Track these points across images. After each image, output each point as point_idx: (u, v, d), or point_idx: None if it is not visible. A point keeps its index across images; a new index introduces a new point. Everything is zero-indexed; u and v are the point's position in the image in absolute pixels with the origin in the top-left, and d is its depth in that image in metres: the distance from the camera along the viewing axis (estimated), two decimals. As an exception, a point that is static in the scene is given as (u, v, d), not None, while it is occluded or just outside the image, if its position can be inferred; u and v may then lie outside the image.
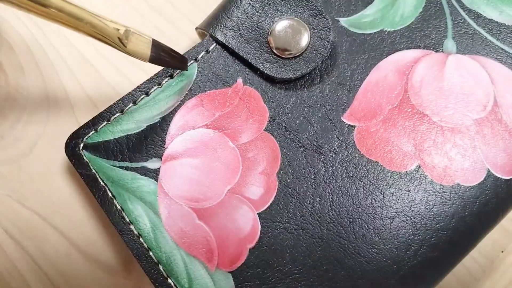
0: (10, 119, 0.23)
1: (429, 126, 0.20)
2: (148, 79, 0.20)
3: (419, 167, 0.19)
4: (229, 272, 0.19)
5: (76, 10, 0.16)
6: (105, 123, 0.20)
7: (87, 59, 0.24)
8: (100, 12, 0.17)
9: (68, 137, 0.20)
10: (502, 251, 0.23)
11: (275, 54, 0.20)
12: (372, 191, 0.19)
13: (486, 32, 0.21)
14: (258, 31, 0.20)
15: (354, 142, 0.20)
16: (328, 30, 0.20)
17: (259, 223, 0.19)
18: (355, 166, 0.20)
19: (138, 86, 0.20)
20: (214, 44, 0.21)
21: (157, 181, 0.19)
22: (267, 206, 0.19)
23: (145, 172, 0.20)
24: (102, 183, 0.20)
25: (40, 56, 0.24)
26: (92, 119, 0.20)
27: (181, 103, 0.20)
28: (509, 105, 0.20)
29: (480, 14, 0.21)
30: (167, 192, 0.19)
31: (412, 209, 0.19)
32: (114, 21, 0.17)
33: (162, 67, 0.20)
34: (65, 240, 0.22)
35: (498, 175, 0.19)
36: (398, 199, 0.19)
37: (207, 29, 0.21)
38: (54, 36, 0.24)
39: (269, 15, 0.20)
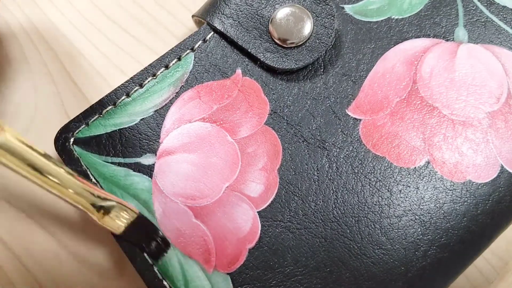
0: (-4, 112, 0.23)
1: (439, 120, 0.19)
2: (142, 70, 0.20)
3: (429, 162, 0.19)
4: (228, 274, 0.18)
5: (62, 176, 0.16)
6: (96, 116, 0.20)
7: (77, 49, 0.24)
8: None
9: (58, 132, 0.20)
10: (515, 252, 0.23)
11: (276, 44, 0.20)
12: (378, 188, 0.19)
13: (500, 20, 0.21)
14: (258, 19, 0.20)
15: (359, 136, 0.19)
16: (332, 17, 0.20)
17: (259, 222, 0.19)
18: (360, 161, 0.19)
19: (131, 77, 0.20)
20: (212, 32, 0.20)
21: (151, 178, 0.19)
22: (267, 204, 0.19)
23: (139, 168, 0.19)
24: (93, 179, 0.19)
25: (28, 46, 0.24)
26: (82, 112, 0.20)
27: (177, 95, 0.20)
28: (524, 97, 0.20)
29: (493, 0, 0.21)
30: (162, 189, 0.19)
31: (421, 207, 0.19)
32: (102, 195, 0.17)
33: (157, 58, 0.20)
34: (53, 240, 0.22)
35: (512, 171, 0.19)
36: (406, 197, 0.19)
37: (204, 16, 0.20)
38: (42, 25, 0.24)
39: (270, 1, 0.20)
